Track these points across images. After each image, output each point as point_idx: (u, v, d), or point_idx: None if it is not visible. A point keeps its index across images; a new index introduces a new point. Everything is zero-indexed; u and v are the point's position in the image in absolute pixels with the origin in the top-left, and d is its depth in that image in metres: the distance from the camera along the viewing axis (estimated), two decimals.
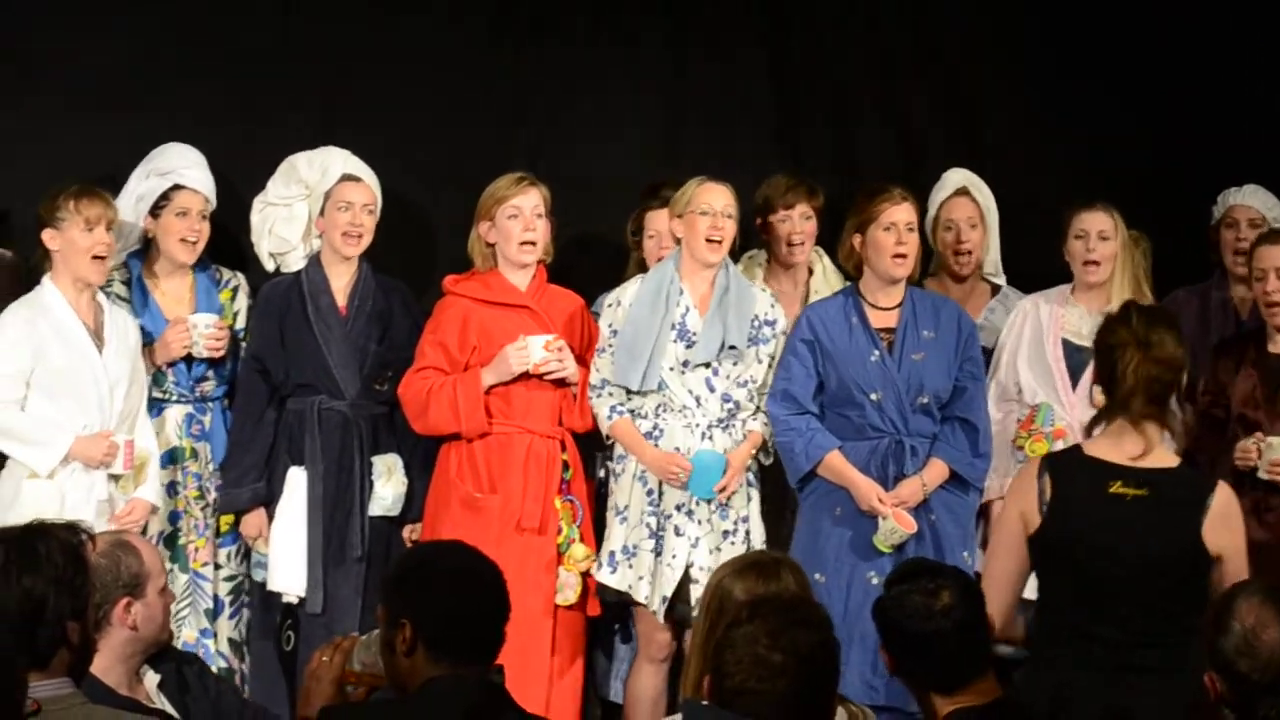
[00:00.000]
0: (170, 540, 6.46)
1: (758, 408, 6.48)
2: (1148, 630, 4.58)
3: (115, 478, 6.28)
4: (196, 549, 6.52)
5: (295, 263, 6.74)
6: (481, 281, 6.55)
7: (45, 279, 6.29)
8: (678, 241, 6.49)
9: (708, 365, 6.40)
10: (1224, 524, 4.64)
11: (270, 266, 6.80)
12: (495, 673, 3.85)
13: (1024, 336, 6.75)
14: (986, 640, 4.18)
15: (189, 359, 6.50)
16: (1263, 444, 6.45)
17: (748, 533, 6.43)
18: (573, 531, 6.44)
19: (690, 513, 6.37)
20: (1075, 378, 6.56)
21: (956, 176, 7.09)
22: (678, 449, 6.36)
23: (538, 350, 6.40)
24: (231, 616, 6.60)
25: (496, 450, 6.44)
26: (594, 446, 6.67)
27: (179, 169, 6.55)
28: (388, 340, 6.62)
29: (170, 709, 4.43)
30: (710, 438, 6.38)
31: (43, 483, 6.18)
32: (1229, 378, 6.65)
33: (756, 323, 6.47)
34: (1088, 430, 4.75)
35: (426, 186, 7.18)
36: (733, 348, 6.40)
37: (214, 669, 5.70)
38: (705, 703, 3.75)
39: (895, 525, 6.25)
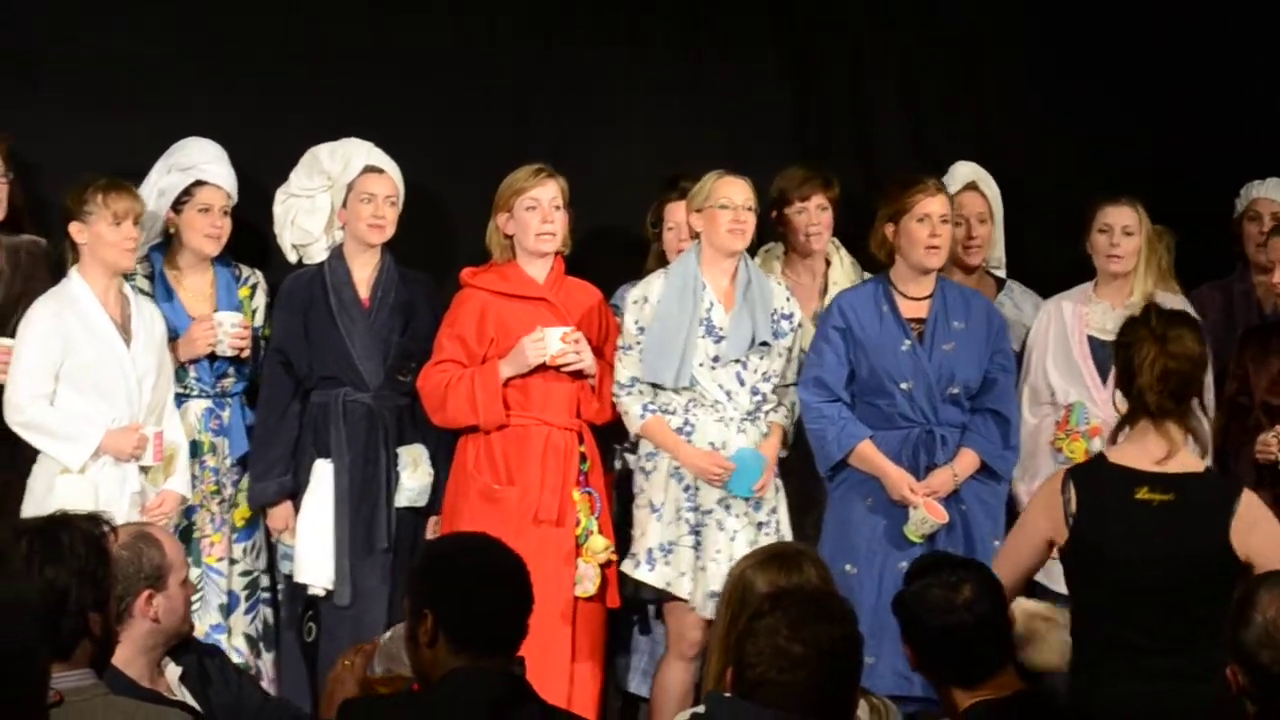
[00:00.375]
0: (184, 534, 6.43)
1: (779, 401, 6.48)
2: (1177, 635, 4.59)
3: (145, 469, 6.28)
4: (211, 544, 6.51)
5: (318, 254, 6.74)
6: (499, 274, 6.54)
7: (72, 271, 6.29)
8: (695, 235, 6.50)
9: (738, 360, 6.40)
10: (1252, 528, 4.64)
11: (293, 258, 6.80)
12: (516, 664, 3.86)
13: (1050, 338, 6.75)
14: (1008, 634, 4.19)
15: (212, 355, 6.51)
16: None
17: (778, 523, 6.43)
18: (591, 523, 6.43)
19: (729, 506, 6.36)
20: (1104, 373, 6.52)
21: (965, 170, 7.08)
22: (712, 444, 6.35)
23: (555, 342, 6.39)
24: (247, 612, 6.58)
25: (514, 442, 6.44)
26: (612, 439, 6.67)
27: (200, 164, 6.55)
28: (410, 331, 6.61)
29: (192, 701, 4.42)
30: (743, 431, 6.38)
31: (75, 477, 6.17)
32: (1254, 365, 6.65)
33: (775, 316, 6.47)
34: (1112, 437, 4.75)
35: (450, 179, 7.17)
36: (764, 343, 6.40)
37: None
38: (728, 694, 3.75)
39: (926, 515, 6.25)
